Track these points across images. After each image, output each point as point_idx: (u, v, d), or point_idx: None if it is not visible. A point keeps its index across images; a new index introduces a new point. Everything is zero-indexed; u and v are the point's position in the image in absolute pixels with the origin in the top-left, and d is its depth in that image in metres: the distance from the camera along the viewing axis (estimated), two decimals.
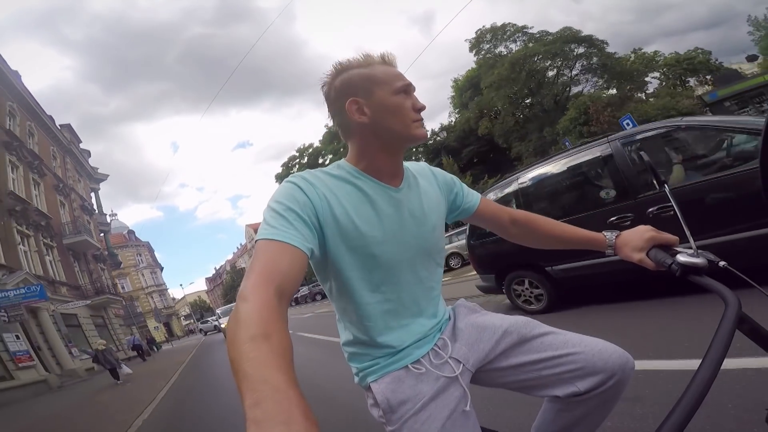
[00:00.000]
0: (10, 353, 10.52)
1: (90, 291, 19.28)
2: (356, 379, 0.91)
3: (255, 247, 0.69)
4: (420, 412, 0.80)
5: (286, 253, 0.67)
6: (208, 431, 4.00)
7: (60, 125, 23.72)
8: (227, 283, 77.28)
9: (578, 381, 0.85)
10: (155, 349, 25.35)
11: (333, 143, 33.00)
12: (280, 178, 34.99)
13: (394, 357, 0.86)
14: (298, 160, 34.38)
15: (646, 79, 33.07)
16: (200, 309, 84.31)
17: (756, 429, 1.36)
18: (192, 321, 65.54)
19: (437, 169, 1.02)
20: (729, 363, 0.66)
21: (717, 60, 34.85)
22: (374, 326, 0.85)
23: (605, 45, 29.21)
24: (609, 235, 0.95)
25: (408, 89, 0.84)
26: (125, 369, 11.15)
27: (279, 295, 0.59)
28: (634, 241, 0.88)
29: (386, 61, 0.86)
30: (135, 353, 19.02)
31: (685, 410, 0.47)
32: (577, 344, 0.88)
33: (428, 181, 0.96)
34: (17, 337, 10.92)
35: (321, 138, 34.30)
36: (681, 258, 0.76)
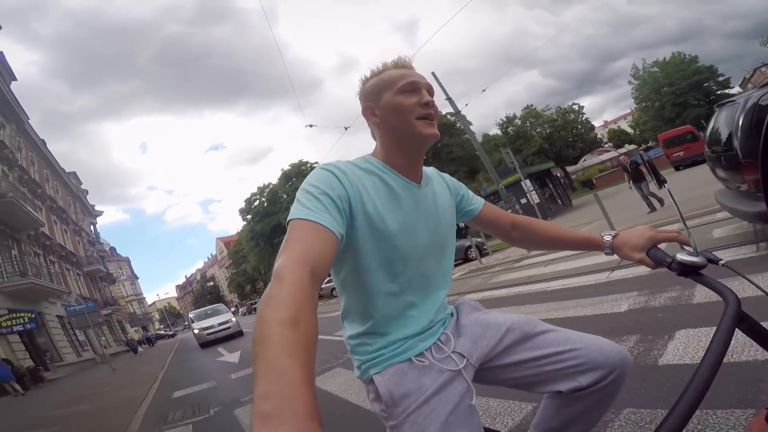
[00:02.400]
0: (79, 342, 18.87)
1: (101, 302, 27.26)
2: (358, 372, 0.91)
3: (289, 226, 0.70)
4: (423, 405, 0.80)
5: (320, 234, 0.68)
6: (196, 372, 8.30)
7: (68, 173, 31.33)
8: (197, 291, 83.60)
9: (580, 376, 0.87)
10: (138, 349, 33.64)
11: (288, 183, 40.97)
12: (243, 212, 42.37)
13: (398, 349, 0.86)
14: (258, 197, 42.32)
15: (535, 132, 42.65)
16: (171, 315, 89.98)
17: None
18: (165, 326, 72.06)
19: (445, 174, 1.07)
20: (728, 361, 0.72)
21: (586, 118, 45.14)
22: (382, 316, 0.86)
23: (469, 124, 38.73)
24: (606, 236, 0.97)
25: (414, 86, 0.86)
26: (140, 349, 19.77)
27: (312, 276, 0.60)
28: (634, 240, 0.90)
29: (398, 64, 0.90)
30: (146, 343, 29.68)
31: (685, 408, 0.47)
32: (578, 341, 0.90)
33: (439, 183, 1.00)
34: (79, 332, 19.20)
35: (279, 176, 41.91)
36: (680, 257, 0.77)
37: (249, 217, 42.13)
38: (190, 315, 17.16)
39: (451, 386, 0.83)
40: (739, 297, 0.66)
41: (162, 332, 43.41)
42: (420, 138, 0.86)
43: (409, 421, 0.79)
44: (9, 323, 11.81)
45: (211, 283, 75.96)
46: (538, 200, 16.06)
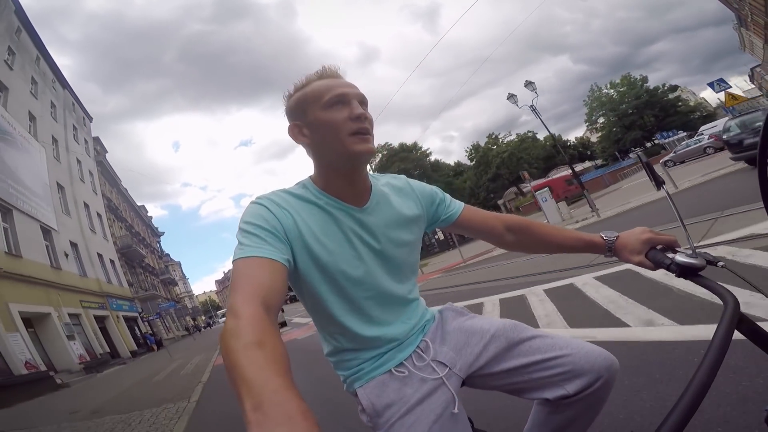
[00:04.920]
0: (167, 325, 31.01)
1: (171, 300, 39.73)
2: (344, 386, 0.92)
3: (234, 266, 0.69)
4: (406, 415, 0.80)
5: (265, 267, 0.68)
6: None
7: (138, 206, 43.71)
8: None
9: (566, 383, 0.86)
10: (200, 329, 46.29)
11: None
12: None
13: (377, 362, 0.87)
14: None
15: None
16: (211, 307, 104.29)
17: (756, 430, 1.35)
18: (209, 317, 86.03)
19: (416, 182, 1.01)
20: (728, 363, 0.63)
21: (536, 141, 52.44)
22: (352, 334, 0.86)
23: (429, 153, 47.16)
24: (607, 238, 0.94)
25: (344, 98, 0.79)
26: (202, 332, 31.72)
27: (266, 308, 0.60)
28: (632, 243, 0.89)
29: (324, 74, 0.83)
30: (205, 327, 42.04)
31: (684, 411, 0.47)
32: (564, 347, 0.88)
33: (402, 196, 0.95)
34: (163, 320, 31.31)
35: None
36: (679, 258, 0.77)
37: None
38: None
39: (435, 396, 0.84)
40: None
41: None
42: (353, 156, 0.79)
43: (393, 431, 0.80)
44: (147, 315, 23.39)
45: None
46: (443, 236, 24.38)
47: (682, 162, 22.60)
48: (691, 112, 48.37)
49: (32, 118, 17.84)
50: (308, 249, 0.79)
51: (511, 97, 17.62)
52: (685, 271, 0.76)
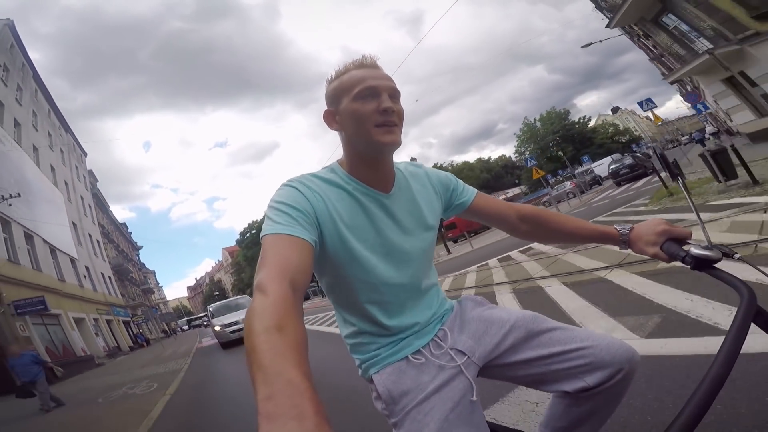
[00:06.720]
0: (149, 328, 37.02)
1: (151, 307, 45.46)
2: (359, 371, 0.92)
3: (263, 241, 0.71)
4: (423, 403, 0.81)
5: (295, 246, 0.70)
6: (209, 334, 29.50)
7: (122, 223, 49.10)
8: (207, 293, 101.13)
9: (587, 376, 0.86)
10: (177, 332, 51.98)
11: None
12: (239, 242, 59.50)
13: (394, 348, 0.88)
14: (249, 231, 59.17)
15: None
16: (184, 313, 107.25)
17: None
18: (176, 323, 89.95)
19: (432, 170, 1.04)
20: (744, 355, 0.68)
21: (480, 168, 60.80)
22: (371, 320, 0.88)
23: None
24: (622, 230, 0.95)
25: (374, 91, 0.82)
26: (178, 334, 37.93)
27: (293, 287, 0.62)
28: (647, 235, 0.89)
29: (361, 64, 0.86)
30: (181, 330, 47.81)
31: (700, 403, 0.47)
32: (585, 339, 0.88)
33: (421, 183, 0.97)
34: (153, 323, 37.32)
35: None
36: (695, 250, 0.76)
37: (243, 245, 60.22)
38: (210, 308, 14.66)
39: (452, 384, 0.84)
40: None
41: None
42: (378, 146, 0.82)
43: (409, 418, 0.80)
44: (137, 318, 29.56)
45: (217, 293, 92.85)
46: None
47: (559, 202, 29.57)
48: (614, 136, 56.22)
49: (52, 169, 23.92)
50: (338, 232, 0.82)
51: None
52: (700, 264, 0.76)
